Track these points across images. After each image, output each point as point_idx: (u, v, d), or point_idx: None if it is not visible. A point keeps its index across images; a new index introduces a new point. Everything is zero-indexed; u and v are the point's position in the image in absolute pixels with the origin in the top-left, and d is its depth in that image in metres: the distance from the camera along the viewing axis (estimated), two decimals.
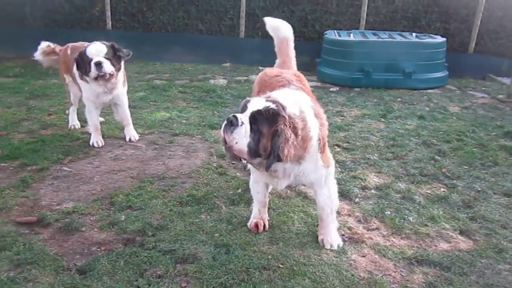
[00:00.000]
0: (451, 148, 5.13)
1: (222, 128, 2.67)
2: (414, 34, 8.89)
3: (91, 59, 4.46)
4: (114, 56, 4.60)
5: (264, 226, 3.38)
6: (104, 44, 4.57)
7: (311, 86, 8.60)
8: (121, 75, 4.82)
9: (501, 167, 4.67)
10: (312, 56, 9.42)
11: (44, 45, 5.39)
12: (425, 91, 7.98)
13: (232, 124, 2.63)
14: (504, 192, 4.10)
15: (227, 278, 2.76)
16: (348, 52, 8.20)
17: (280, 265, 2.92)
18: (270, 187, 3.47)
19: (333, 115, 6.35)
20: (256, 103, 2.70)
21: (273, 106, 2.66)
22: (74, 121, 5.49)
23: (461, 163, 4.74)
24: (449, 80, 8.66)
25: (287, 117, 2.66)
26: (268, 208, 3.57)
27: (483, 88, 8.50)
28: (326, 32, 9.19)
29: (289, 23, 4.10)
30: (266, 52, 9.98)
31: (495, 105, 7.20)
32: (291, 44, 4.14)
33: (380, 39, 8.39)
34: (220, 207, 3.68)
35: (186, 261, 2.94)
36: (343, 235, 3.34)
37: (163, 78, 8.47)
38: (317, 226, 3.34)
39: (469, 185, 4.22)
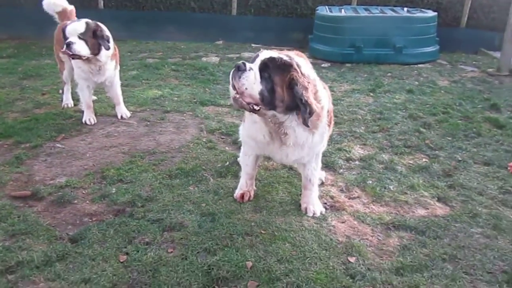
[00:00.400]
0: (437, 121, 5.25)
1: (231, 75, 2.63)
2: (405, 8, 8.89)
3: (67, 38, 4.41)
4: (93, 37, 4.46)
5: (250, 196, 3.48)
6: (87, 23, 4.47)
7: None
8: (108, 60, 4.76)
9: (484, 138, 4.79)
10: (305, 32, 9.47)
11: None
12: (415, 65, 8.04)
13: (240, 69, 2.62)
14: (484, 162, 4.23)
15: (211, 244, 2.91)
16: (339, 27, 8.23)
17: (262, 231, 3.06)
18: (260, 161, 3.57)
19: None
20: (268, 53, 2.72)
21: (285, 57, 2.68)
22: (68, 100, 5.57)
23: (445, 134, 4.86)
24: (441, 55, 8.72)
25: (299, 70, 2.67)
26: (255, 179, 3.72)
27: (473, 62, 8.56)
28: (318, 8, 9.19)
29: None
30: (259, 30, 10.11)
31: (484, 79, 7.28)
32: None
33: (371, 14, 8.41)
34: (208, 179, 3.81)
35: (173, 229, 3.08)
36: (325, 203, 3.48)
37: (155, 56, 8.51)
38: (299, 195, 3.48)
39: (450, 155, 4.35)
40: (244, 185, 3.50)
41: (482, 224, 3.23)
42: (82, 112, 5.09)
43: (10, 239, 2.95)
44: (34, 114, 5.23)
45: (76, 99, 5.43)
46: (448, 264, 2.80)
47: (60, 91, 5.72)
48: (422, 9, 8.95)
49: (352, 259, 2.81)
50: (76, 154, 4.27)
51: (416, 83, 6.95)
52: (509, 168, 4.06)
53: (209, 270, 2.66)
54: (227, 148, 4.47)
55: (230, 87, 2.71)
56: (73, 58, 4.61)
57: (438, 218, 3.30)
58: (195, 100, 5.90)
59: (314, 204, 3.34)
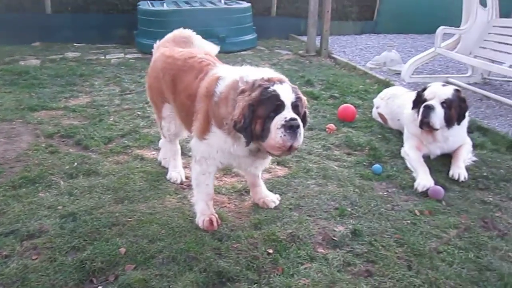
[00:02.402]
0: None
1: (284, 139, 2.53)
2: (223, 1, 9.53)
3: None
4: None
5: (217, 220, 3.09)
6: None
7: (132, 58, 8.64)
8: None
9: None
10: (128, 28, 9.38)
11: None
12: (239, 53, 8.75)
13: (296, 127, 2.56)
14: (308, 128, 4.93)
15: (79, 241, 2.89)
16: (164, 21, 8.41)
17: (128, 219, 3.15)
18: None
19: None
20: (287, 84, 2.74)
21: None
22: None
23: None
24: (259, 42, 9.63)
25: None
26: (107, 174, 3.75)
27: (287, 46, 9.70)
28: (139, 3, 9.20)
29: None
30: (79, 28, 9.61)
31: (297, 60, 8.36)
32: None
33: (192, 7, 8.80)
34: (58, 183, 3.67)
35: (32, 237, 2.94)
36: (182, 184, 3.71)
37: None
38: (157, 181, 3.66)
39: None
40: (206, 209, 3.10)
41: (315, 176, 3.88)
42: None
43: None
44: None
45: None
46: (294, 212, 3.33)
47: None
48: (237, 1, 9.71)
49: None
50: None
51: None
52: (327, 129, 4.88)
53: (83, 265, 2.66)
54: (71, 150, 4.33)
55: (283, 146, 2.59)
56: None
57: (280, 178, 3.84)
58: (22, 107, 5.46)
59: (269, 196, 3.39)
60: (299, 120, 2.57)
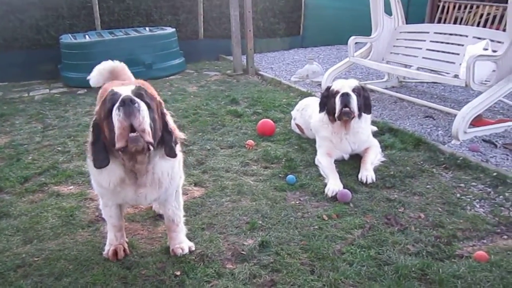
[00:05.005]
0: (189, 121, 5.98)
1: (120, 113, 2.32)
2: (147, 28, 9.58)
3: None
4: None
5: (125, 250, 3.07)
6: None
7: (57, 93, 8.45)
8: None
9: (227, 127, 5.72)
10: (54, 62, 9.19)
11: None
12: (167, 78, 8.80)
13: (133, 102, 2.36)
14: (228, 145, 5.10)
15: None
16: (87, 53, 8.33)
17: (36, 259, 3.09)
18: (125, 210, 3.27)
19: (82, 116, 6.52)
20: (129, 86, 2.56)
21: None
22: None
23: (197, 131, 5.61)
24: (188, 65, 9.73)
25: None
26: (19, 215, 3.67)
27: (215, 67, 9.86)
28: (61, 37, 9.08)
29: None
30: (1, 66, 9.29)
31: (224, 80, 8.52)
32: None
33: (116, 37, 8.79)
34: None
35: None
36: (97, 215, 3.68)
37: None
38: (71, 215, 3.62)
39: (202, 147, 5.08)
40: (114, 240, 3.06)
41: (230, 193, 3.97)
42: None
43: None
44: None
45: None
46: (206, 231, 3.39)
47: None
48: (162, 27, 9.79)
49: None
50: None
51: (169, 93, 7.66)
52: (246, 146, 5.00)
53: None
54: None
55: (121, 128, 2.36)
56: None
57: (196, 198, 3.90)
58: None
59: (182, 243, 3.11)
60: (137, 99, 2.38)
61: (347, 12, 11.87)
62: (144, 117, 2.37)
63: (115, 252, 3.02)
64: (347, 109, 4.21)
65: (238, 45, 8.93)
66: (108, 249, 3.06)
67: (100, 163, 2.58)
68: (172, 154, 2.65)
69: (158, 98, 2.72)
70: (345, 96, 4.21)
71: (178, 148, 2.77)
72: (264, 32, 11.94)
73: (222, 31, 11.46)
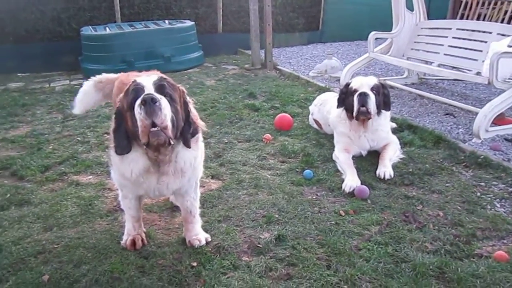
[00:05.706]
0: (207, 115, 5.99)
1: (143, 112, 2.36)
2: (167, 21, 9.62)
3: None
4: None
5: (142, 240, 3.11)
6: None
7: (77, 84, 8.56)
8: None
9: (245, 121, 5.72)
10: (74, 54, 9.31)
11: None
12: (186, 71, 8.84)
13: (154, 101, 2.37)
14: (246, 139, 5.10)
15: (3, 272, 2.86)
16: (108, 45, 8.44)
17: (55, 246, 3.15)
18: (143, 201, 3.27)
19: (101, 107, 6.58)
20: (152, 76, 2.59)
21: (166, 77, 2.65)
22: None
23: (214, 124, 5.62)
24: (206, 59, 9.75)
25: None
26: (40, 203, 3.72)
27: (233, 61, 9.86)
28: (82, 29, 9.18)
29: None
30: (23, 58, 9.48)
31: (242, 74, 8.52)
32: None
33: (136, 30, 8.86)
34: None
35: None
36: (115, 205, 3.72)
37: None
38: (90, 205, 3.67)
39: (219, 140, 5.09)
40: (132, 230, 3.11)
41: (247, 187, 3.97)
42: None
43: None
44: None
45: None
46: (223, 223, 3.41)
47: None
48: (181, 20, 9.82)
49: None
50: None
51: (188, 86, 7.67)
52: (263, 140, 5.00)
53: None
54: (5, 181, 4.28)
55: (143, 126, 2.38)
56: None
57: (213, 191, 3.91)
58: None
59: (198, 234, 3.13)
60: (159, 96, 2.40)
61: (366, 7, 11.74)
62: (166, 115, 2.39)
63: (133, 242, 3.06)
64: (364, 108, 4.17)
65: (256, 39, 8.91)
66: (126, 238, 3.10)
67: (122, 150, 2.62)
68: (187, 145, 2.65)
69: (181, 87, 2.73)
70: (363, 96, 4.17)
71: (200, 138, 2.81)
72: (283, 26, 11.89)
73: (241, 25, 11.45)
